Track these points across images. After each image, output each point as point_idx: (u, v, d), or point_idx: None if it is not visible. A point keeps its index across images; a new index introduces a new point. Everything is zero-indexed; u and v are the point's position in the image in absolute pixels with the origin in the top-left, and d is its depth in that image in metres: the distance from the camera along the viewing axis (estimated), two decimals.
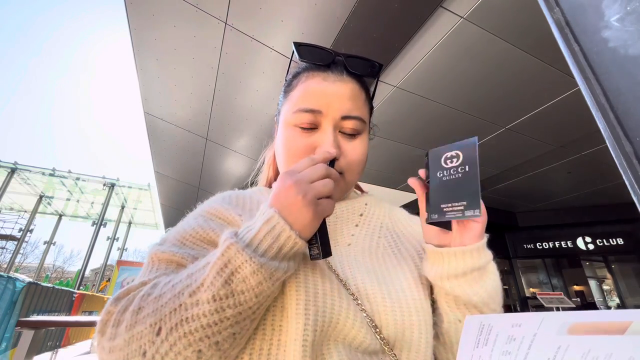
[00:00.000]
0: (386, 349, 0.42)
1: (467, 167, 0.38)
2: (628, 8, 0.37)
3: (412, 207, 0.51)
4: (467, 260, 0.42)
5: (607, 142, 0.39)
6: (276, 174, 0.66)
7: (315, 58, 0.52)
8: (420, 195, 0.44)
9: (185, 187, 5.93)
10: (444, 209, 0.39)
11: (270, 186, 0.66)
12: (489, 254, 0.44)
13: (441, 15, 2.08)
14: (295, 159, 0.50)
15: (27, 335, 2.55)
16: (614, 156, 0.38)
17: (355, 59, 0.54)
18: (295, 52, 0.52)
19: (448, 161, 0.40)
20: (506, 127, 3.24)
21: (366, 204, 0.58)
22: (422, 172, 0.44)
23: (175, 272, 0.41)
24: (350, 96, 0.51)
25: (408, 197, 5.05)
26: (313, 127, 0.50)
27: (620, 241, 6.01)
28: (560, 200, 5.74)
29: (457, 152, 0.39)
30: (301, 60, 0.53)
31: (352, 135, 0.51)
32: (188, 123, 3.80)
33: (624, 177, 0.37)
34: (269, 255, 0.34)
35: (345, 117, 0.50)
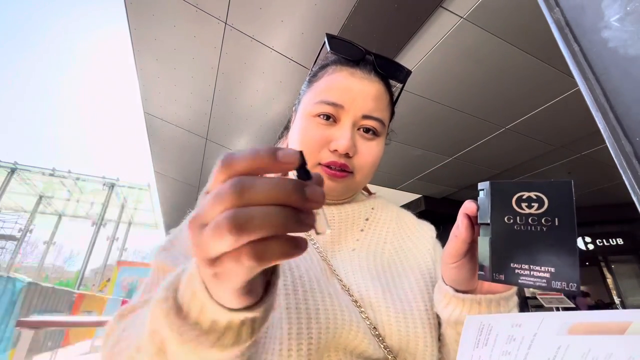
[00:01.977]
0: (390, 357, 0.41)
1: (556, 219, 0.28)
2: (628, 8, 0.37)
3: (411, 208, 0.50)
4: (491, 309, 0.36)
5: (607, 142, 0.39)
6: None
7: (346, 52, 0.52)
8: (463, 236, 0.34)
9: (185, 187, 5.93)
10: (517, 271, 0.28)
11: None
12: (515, 300, 0.38)
13: (441, 15, 2.07)
14: (308, 149, 0.48)
15: (27, 335, 2.55)
16: (614, 156, 0.38)
17: (385, 60, 0.53)
18: (327, 44, 0.51)
19: (524, 204, 0.30)
20: (506, 127, 3.24)
21: (373, 209, 0.56)
22: (472, 207, 0.33)
23: None
24: (375, 96, 0.50)
25: (408, 197, 5.05)
26: (332, 121, 0.49)
27: (620, 241, 6.01)
28: None
29: (540, 194, 0.29)
30: (331, 53, 0.52)
31: (370, 136, 0.50)
32: (188, 123, 3.80)
33: (624, 177, 0.37)
34: (199, 327, 0.22)
35: (366, 117, 0.49)
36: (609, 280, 6.41)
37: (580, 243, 6.32)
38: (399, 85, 0.58)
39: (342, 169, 0.48)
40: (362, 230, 0.54)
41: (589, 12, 0.42)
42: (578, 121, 3.05)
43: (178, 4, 2.24)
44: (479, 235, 0.34)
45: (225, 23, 2.34)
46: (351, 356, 0.40)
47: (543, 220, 0.28)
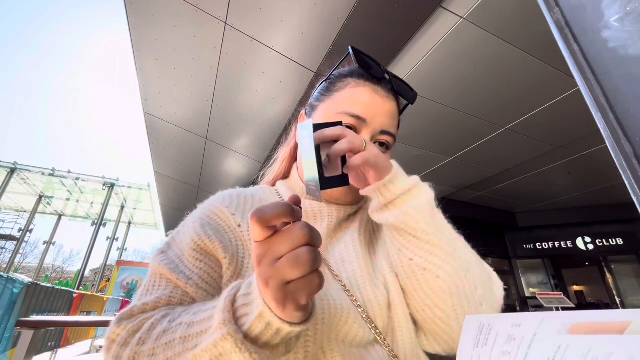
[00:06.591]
0: (379, 339, 0.42)
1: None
2: (628, 8, 0.37)
3: None
4: (395, 187, 0.44)
5: (607, 142, 0.39)
6: (286, 170, 0.66)
7: (370, 69, 0.55)
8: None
9: (185, 187, 5.93)
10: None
11: (274, 184, 0.66)
12: (412, 179, 0.46)
13: (441, 15, 2.08)
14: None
15: (27, 335, 2.54)
16: (613, 156, 0.38)
17: (399, 80, 0.58)
18: (354, 58, 0.54)
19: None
20: (506, 127, 3.24)
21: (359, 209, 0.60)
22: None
23: (172, 296, 0.40)
24: (392, 114, 0.55)
25: None
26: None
27: (620, 241, 6.02)
28: (560, 200, 5.74)
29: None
30: (359, 68, 0.54)
31: (384, 149, 0.55)
32: (188, 123, 3.80)
33: (623, 177, 0.37)
34: (269, 346, 0.30)
35: (383, 132, 0.53)
36: (609, 280, 6.41)
37: (580, 243, 6.32)
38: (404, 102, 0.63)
39: None
40: (352, 224, 0.58)
41: (589, 12, 0.42)
42: (578, 121, 3.05)
43: (178, 4, 2.24)
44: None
45: (225, 23, 2.35)
46: (343, 344, 0.41)
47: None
